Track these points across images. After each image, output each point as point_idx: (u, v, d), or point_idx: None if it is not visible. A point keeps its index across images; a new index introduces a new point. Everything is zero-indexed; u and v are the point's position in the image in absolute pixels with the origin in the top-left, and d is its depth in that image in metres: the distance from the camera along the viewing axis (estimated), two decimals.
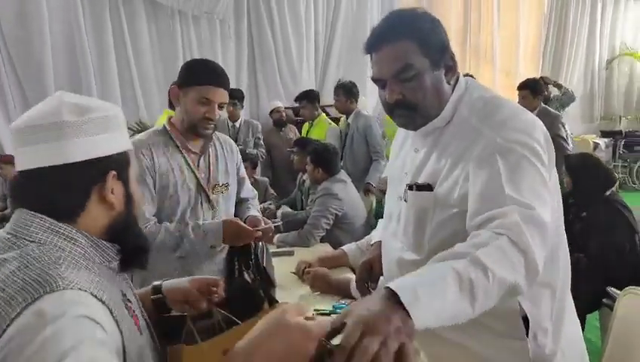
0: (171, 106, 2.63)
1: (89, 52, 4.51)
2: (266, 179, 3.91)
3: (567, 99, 4.90)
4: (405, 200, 1.03)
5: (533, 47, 7.32)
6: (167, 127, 1.48)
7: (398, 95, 0.96)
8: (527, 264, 0.76)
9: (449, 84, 0.98)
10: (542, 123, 0.99)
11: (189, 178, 1.45)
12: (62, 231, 0.71)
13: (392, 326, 0.59)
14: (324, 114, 4.05)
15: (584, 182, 2.39)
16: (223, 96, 1.41)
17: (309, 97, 3.92)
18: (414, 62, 0.94)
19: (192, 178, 1.46)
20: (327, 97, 5.36)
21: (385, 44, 0.95)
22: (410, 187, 1.01)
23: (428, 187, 0.98)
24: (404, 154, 1.11)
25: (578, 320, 1.13)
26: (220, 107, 1.43)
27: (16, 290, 0.61)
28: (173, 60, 4.86)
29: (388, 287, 0.64)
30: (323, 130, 3.82)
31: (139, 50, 4.71)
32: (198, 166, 1.49)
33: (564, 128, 3.71)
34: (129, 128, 4.58)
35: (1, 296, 0.61)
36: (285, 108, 5.07)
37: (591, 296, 2.23)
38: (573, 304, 1.10)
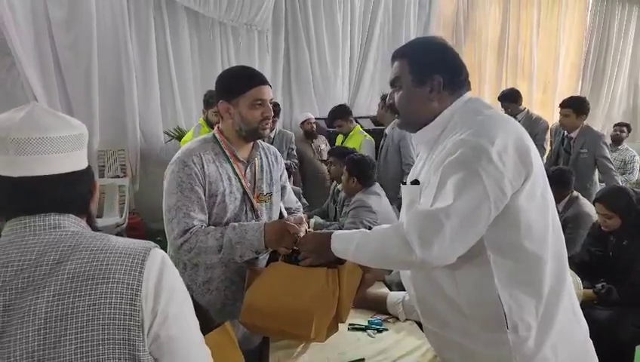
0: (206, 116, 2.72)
1: (132, 60, 4.69)
2: (299, 188, 3.93)
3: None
4: (400, 197, 1.25)
5: (573, 61, 7.11)
6: (217, 135, 1.48)
7: (390, 100, 1.22)
8: (405, 245, 1.02)
9: (432, 100, 1.15)
10: (516, 136, 1.07)
11: (236, 187, 1.46)
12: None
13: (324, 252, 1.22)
14: (358, 125, 4.05)
15: (632, 215, 2.33)
16: (270, 92, 1.44)
17: (341, 114, 3.92)
18: (401, 76, 1.18)
19: (238, 187, 1.47)
20: (361, 109, 5.38)
21: (394, 60, 1.22)
22: (404, 183, 1.20)
23: (415, 182, 1.15)
24: (413, 170, 1.28)
25: (585, 326, 1.19)
26: (271, 103, 1.45)
27: (130, 247, 0.80)
28: (211, 70, 4.99)
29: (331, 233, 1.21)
30: (358, 141, 3.81)
31: (180, 59, 4.86)
32: (244, 175, 1.50)
33: (607, 147, 3.54)
34: (167, 133, 4.74)
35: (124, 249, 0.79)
36: (317, 118, 5.11)
37: (634, 327, 2.12)
38: (576, 308, 1.17)
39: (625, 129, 5.05)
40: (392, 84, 1.21)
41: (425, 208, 1.03)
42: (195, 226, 1.36)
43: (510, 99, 4.18)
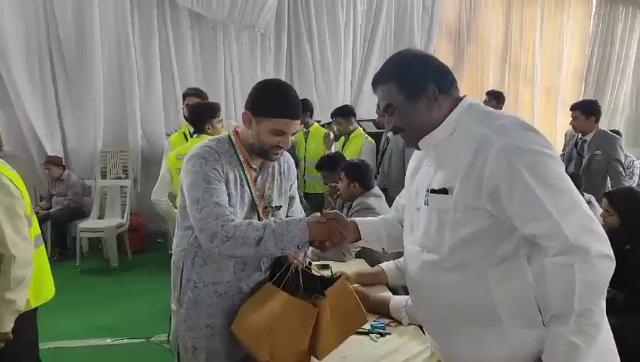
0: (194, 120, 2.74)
1: (135, 61, 4.70)
2: (300, 192, 3.92)
3: None
4: (426, 204, 1.15)
5: (575, 66, 7.10)
6: (233, 137, 1.44)
7: (390, 125, 1.20)
8: (603, 261, 0.97)
9: (432, 110, 1.13)
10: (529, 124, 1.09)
11: (247, 193, 1.42)
12: None
13: None
14: (360, 128, 4.04)
15: (632, 219, 2.30)
16: (297, 126, 1.40)
17: (342, 113, 3.92)
18: (393, 101, 1.15)
19: (248, 194, 1.43)
20: (363, 113, 5.37)
21: (377, 86, 1.20)
22: (432, 191, 1.14)
23: (444, 191, 1.10)
24: (419, 176, 1.24)
25: (606, 321, 1.15)
26: (292, 134, 1.40)
27: None
28: (214, 71, 5.00)
29: None
30: (359, 143, 3.82)
31: (182, 60, 4.87)
32: (255, 183, 1.45)
33: (623, 151, 3.52)
34: (169, 135, 4.73)
35: None
36: (316, 121, 5.11)
37: (639, 335, 2.10)
38: None
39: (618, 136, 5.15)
40: (385, 110, 1.18)
41: (568, 215, 0.97)
42: (228, 216, 1.30)
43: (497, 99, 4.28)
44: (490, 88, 6.51)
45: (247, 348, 1.35)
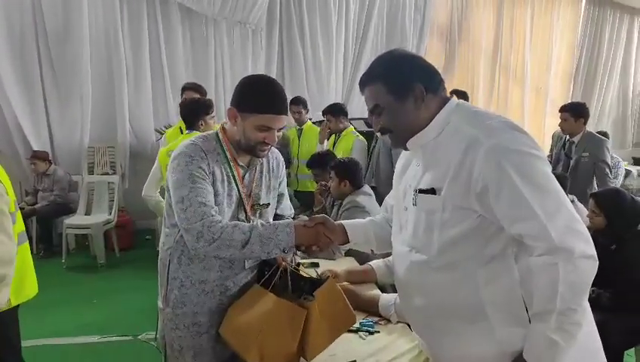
0: (188, 118, 2.70)
1: (124, 55, 4.64)
2: (290, 190, 3.91)
3: None
4: (414, 205, 1.15)
5: (564, 67, 7.21)
6: (220, 135, 1.42)
7: (377, 125, 1.19)
8: (586, 262, 0.98)
9: (420, 110, 1.13)
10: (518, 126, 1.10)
11: (234, 191, 1.41)
12: None
13: None
14: (351, 126, 4.04)
15: (617, 219, 2.34)
16: (283, 121, 1.38)
17: (332, 111, 3.92)
18: (381, 102, 1.14)
19: (236, 192, 1.41)
20: (354, 111, 5.37)
21: (364, 87, 1.19)
22: (419, 191, 1.14)
23: (432, 191, 1.10)
24: (406, 176, 1.24)
25: (593, 322, 1.17)
26: (279, 130, 1.38)
27: None
28: (204, 67, 4.96)
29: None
30: (350, 141, 3.82)
31: (172, 56, 4.82)
32: (242, 180, 1.44)
33: (609, 153, 3.58)
34: (158, 131, 4.68)
35: None
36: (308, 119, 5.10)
37: (622, 333, 2.14)
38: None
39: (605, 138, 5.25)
40: (373, 111, 1.17)
41: (554, 215, 0.98)
42: (214, 216, 1.29)
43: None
44: (480, 87, 6.59)
45: (236, 350, 1.34)
